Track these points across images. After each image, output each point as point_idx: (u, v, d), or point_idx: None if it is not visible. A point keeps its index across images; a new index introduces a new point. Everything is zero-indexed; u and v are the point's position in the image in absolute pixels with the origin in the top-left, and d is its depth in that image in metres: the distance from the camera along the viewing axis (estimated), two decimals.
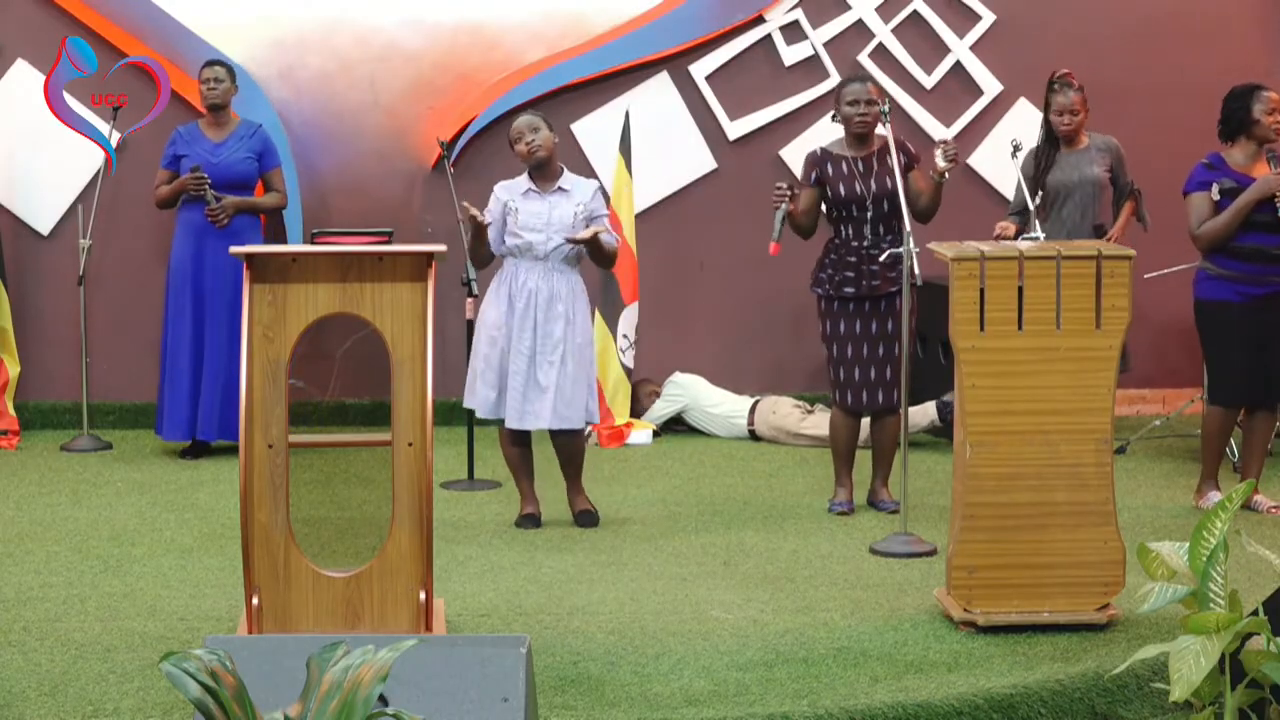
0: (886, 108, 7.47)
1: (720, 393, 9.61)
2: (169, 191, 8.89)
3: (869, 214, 7.61)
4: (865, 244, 7.61)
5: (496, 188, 7.47)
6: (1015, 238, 7.77)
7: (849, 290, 7.61)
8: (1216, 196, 7.55)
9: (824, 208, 7.70)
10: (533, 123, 7.39)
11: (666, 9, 9.84)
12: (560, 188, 7.40)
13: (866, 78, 7.74)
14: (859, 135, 7.62)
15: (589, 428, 8.38)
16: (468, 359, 8.44)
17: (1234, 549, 5.58)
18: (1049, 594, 5.97)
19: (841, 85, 7.71)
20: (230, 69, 8.94)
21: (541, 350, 7.30)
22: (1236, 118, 7.62)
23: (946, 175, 7.42)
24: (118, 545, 7.15)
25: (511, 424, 7.34)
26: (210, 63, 8.95)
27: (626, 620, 6.10)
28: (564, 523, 7.52)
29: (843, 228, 7.67)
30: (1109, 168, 8.45)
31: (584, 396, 7.40)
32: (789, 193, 7.52)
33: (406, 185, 9.78)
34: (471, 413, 8.38)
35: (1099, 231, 8.34)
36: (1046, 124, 8.44)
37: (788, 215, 7.52)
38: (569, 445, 7.49)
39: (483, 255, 7.46)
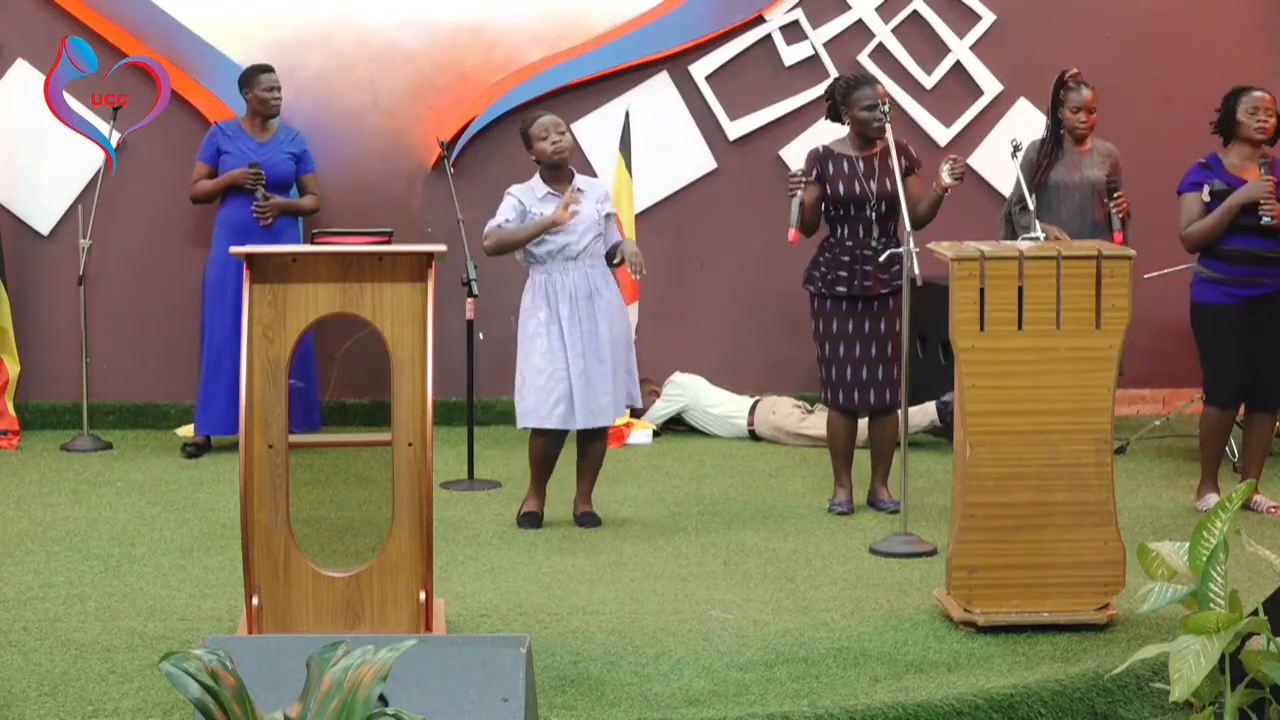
0: (887, 107, 7.48)
1: (720, 393, 9.61)
2: (214, 185, 8.91)
3: (869, 214, 7.61)
4: (861, 244, 7.61)
5: (514, 190, 7.40)
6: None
7: (841, 289, 7.62)
8: (1207, 198, 7.56)
9: (823, 205, 7.70)
10: (559, 124, 7.38)
11: (666, 9, 9.83)
12: (577, 188, 7.39)
13: (875, 80, 7.70)
14: (870, 137, 7.62)
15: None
16: (468, 359, 8.45)
17: (1234, 549, 5.58)
18: (1049, 594, 5.97)
19: (851, 89, 7.60)
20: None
21: (590, 349, 7.29)
22: (1224, 119, 7.64)
23: (949, 191, 7.43)
24: (118, 545, 7.15)
25: (583, 424, 7.32)
26: (264, 69, 8.94)
27: (626, 620, 6.10)
28: (564, 523, 7.52)
29: (840, 227, 7.67)
30: (1109, 172, 8.43)
31: (628, 385, 7.46)
32: (804, 180, 7.54)
33: (406, 185, 9.78)
34: (471, 413, 8.39)
35: (1097, 228, 8.30)
36: (1054, 122, 8.44)
37: (801, 206, 7.53)
38: (597, 445, 7.50)
39: (515, 249, 7.35)
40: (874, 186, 7.59)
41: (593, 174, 9.49)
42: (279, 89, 8.94)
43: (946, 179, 7.38)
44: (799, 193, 7.53)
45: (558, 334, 7.29)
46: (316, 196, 9.13)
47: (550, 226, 7.23)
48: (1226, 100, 7.65)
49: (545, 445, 7.44)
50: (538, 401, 7.30)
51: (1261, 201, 7.41)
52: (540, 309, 7.33)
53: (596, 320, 7.31)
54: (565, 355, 7.28)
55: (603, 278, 7.39)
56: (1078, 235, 8.25)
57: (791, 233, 7.54)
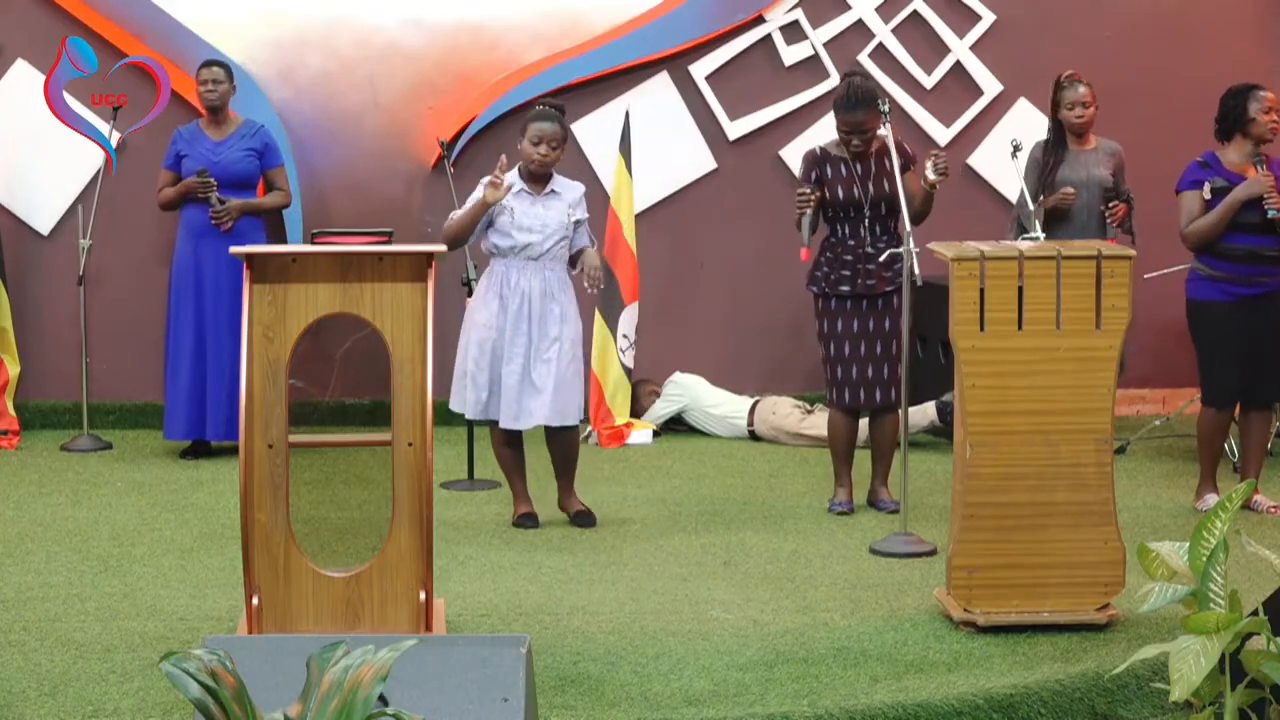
0: (886, 108, 7.46)
1: (720, 393, 9.61)
2: (174, 194, 8.88)
3: (866, 216, 7.62)
4: (862, 244, 7.62)
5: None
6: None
7: (845, 289, 7.62)
8: (1208, 196, 7.56)
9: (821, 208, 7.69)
10: (556, 137, 7.29)
11: (666, 9, 9.83)
12: (552, 190, 7.38)
13: (868, 101, 7.47)
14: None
15: (588, 427, 8.34)
16: None
17: (1234, 549, 5.58)
18: (1049, 594, 5.98)
19: (840, 107, 7.54)
20: (228, 69, 8.92)
21: (538, 349, 7.28)
22: (1233, 116, 7.63)
23: (937, 186, 7.42)
24: (118, 545, 7.15)
25: (506, 424, 7.32)
26: (208, 63, 8.92)
27: (626, 620, 6.10)
28: (564, 523, 7.51)
29: (840, 227, 7.68)
30: (1113, 171, 8.43)
31: (578, 392, 7.41)
32: (811, 195, 7.52)
33: (406, 185, 9.78)
34: None
35: (1105, 226, 8.30)
36: (1055, 124, 8.44)
37: (801, 216, 7.52)
38: (566, 443, 7.47)
39: (466, 236, 7.34)
40: (871, 189, 7.60)
41: (592, 174, 9.50)
42: (215, 81, 8.83)
43: (931, 175, 7.38)
44: (808, 211, 7.51)
45: (500, 329, 7.28)
46: (285, 192, 9.01)
47: (484, 208, 7.20)
48: (1234, 98, 7.64)
49: (499, 444, 7.45)
50: (461, 388, 7.36)
51: (1265, 196, 7.41)
52: (492, 301, 7.31)
53: (546, 323, 7.28)
54: (502, 350, 7.27)
55: (559, 282, 7.34)
56: (1086, 232, 8.25)
57: (804, 251, 7.50)
